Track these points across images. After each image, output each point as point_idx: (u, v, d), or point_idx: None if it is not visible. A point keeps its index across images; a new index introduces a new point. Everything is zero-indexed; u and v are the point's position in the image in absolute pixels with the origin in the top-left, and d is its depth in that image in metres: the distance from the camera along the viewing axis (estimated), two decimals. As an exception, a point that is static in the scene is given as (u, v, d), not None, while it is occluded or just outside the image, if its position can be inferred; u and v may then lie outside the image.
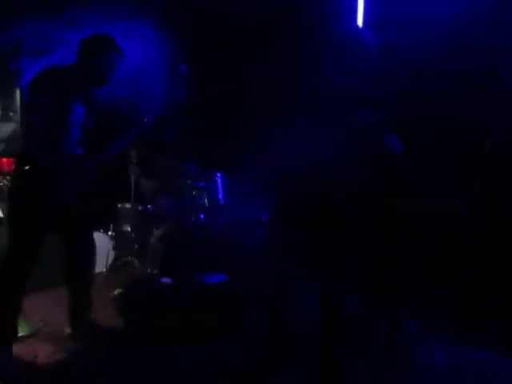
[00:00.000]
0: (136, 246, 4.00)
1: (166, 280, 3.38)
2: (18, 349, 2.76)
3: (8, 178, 3.28)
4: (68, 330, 2.98)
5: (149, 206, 4.09)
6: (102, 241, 4.30)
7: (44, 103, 2.53)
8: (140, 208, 4.08)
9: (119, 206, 4.21)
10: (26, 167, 2.56)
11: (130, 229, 4.09)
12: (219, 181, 3.94)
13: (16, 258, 2.63)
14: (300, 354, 2.49)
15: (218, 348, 2.79)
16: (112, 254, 4.26)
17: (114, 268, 4.22)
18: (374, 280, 3.04)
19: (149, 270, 3.62)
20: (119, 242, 4.16)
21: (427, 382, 2.66)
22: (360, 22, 3.72)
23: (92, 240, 3.03)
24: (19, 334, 2.94)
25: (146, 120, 2.89)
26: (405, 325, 3.03)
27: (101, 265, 4.28)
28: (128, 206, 4.14)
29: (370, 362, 2.82)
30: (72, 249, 2.89)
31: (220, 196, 3.92)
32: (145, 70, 4.89)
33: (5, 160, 3.90)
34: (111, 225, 4.25)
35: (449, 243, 3.33)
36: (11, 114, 3.99)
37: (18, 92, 2.97)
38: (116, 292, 3.24)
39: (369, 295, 3.16)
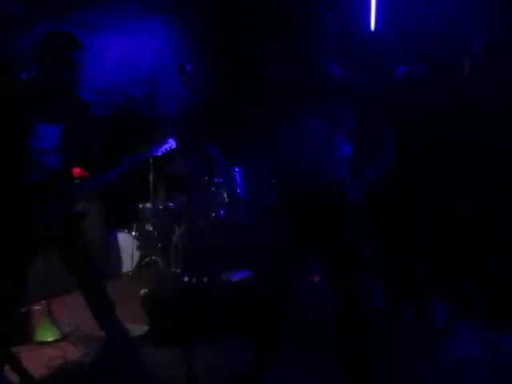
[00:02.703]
0: (159, 245, 4.04)
1: (189, 278, 3.39)
2: (48, 352, 2.84)
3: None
4: (101, 333, 3.03)
5: (169, 205, 4.11)
6: (127, 241, 4.39)
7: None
8: (160, 207, 4.11)
9: (140, 206, 4.24)
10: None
11: (152, 228, 4.12)
12: (237, 176, 3.93)
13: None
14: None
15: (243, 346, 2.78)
16: (137, 253, 4.33)
17: (139, 267, 4.29)
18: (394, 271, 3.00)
19: (173, 269, 3.64)
20: (143, 242, 4.20)
21: (460, 372, 2.60)
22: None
23: (85, 243, 2.59)
24: (50, 339, 3.02)
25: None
26: (433, 315, 2.97)
27: (127, 265, 4.37)
28: (148, 205, 4.17)
29: (398, 353, 2.79)
30: (70, 260, 2.57)
31: (239, 191, 3.90)
32: (159, 68, 4.89)
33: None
34: (134, 225, 4.29)
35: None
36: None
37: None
38: (142, 292, 3.29)
39: (393, 286, 3.12)
